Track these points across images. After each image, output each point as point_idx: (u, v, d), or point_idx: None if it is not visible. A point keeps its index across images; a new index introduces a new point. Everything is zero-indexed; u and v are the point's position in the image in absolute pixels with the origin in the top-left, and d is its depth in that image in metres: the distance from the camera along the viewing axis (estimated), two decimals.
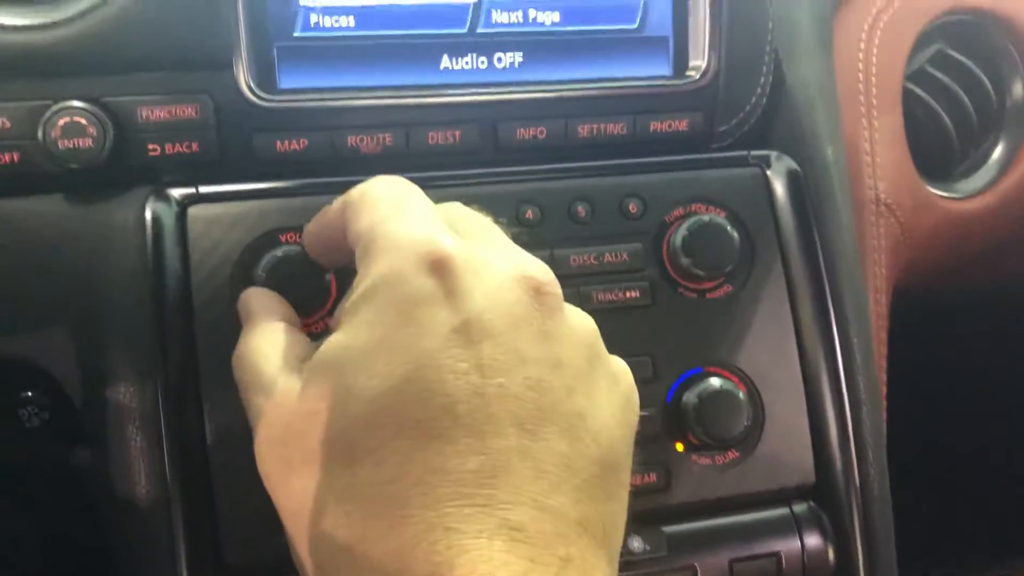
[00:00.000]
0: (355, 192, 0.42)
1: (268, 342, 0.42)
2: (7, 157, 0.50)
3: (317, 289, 0.51)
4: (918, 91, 0.72)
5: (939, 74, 0.73)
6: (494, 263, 0.37)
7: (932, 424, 1.00)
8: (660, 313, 0.56)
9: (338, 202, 0.44)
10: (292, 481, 0.36)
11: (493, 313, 0.35)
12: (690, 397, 0.55)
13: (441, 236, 0.37)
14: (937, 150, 0.73)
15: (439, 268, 0.36)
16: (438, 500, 0.32)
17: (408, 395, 0.34)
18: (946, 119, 0.73)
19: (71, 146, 0.49)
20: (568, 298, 0.51)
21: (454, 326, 0.35)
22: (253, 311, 0.46)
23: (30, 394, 0.56)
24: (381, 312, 0.36)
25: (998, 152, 0.74)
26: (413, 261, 0.36)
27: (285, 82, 0.54)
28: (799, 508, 0.57)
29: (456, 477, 0.32)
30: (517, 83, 0.56)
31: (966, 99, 0.73)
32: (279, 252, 0.51)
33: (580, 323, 0.39)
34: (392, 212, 0.39)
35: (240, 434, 0.46)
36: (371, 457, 0.34)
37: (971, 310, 0.96)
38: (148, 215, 0.52)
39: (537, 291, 0.37)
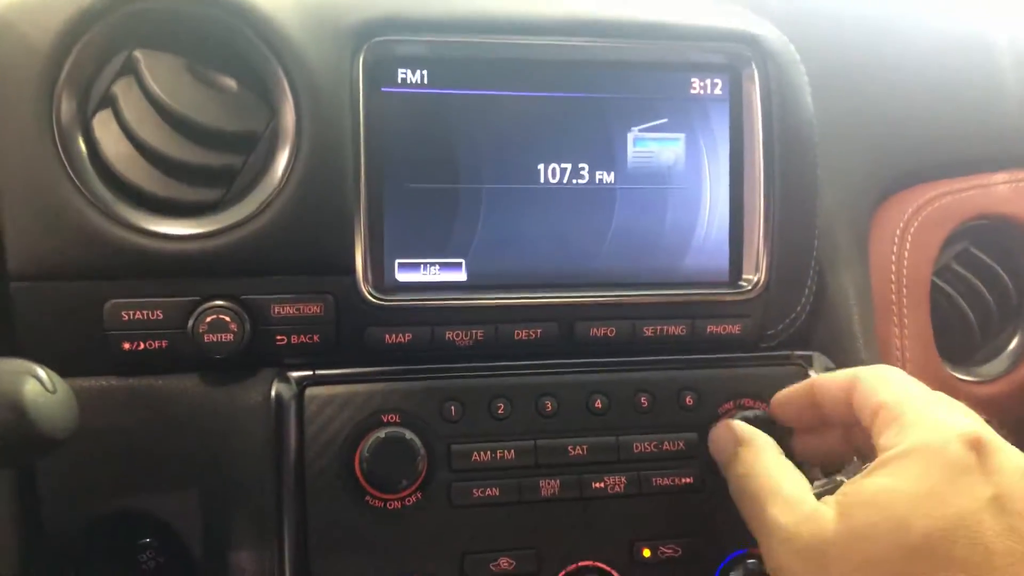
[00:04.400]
0: (866, 373, 0.54)
1: (779, 466, 0.54)
2: (156, 344, 0.58)
3: (410, 470, 0.59)
4: (943, 285, 0.80)
5: (964, 271, 0.80)
6: (1010, 448, 0.48)
7: None
8: (709, 497, 0.63)
9: (839, 380, 0.56)
10: None
11: (1021, 490, 0.45)
12: None
13: (973, 421, 0.48)
14: (960, 337, 0.81)
15: (977, 447, 0.46)
16: None
17: (956, 538, 0.43)
18: (969, 311, 0.80)
19: (215, 339, 0.57)
20: (630, 481, 0.59)
21: (990, 495, 0.45)
22: (754, 438, 0.57)
23: (149, 540, 0.63)
24: (928, 470, 0.46)
25: (1014, 343, 0.81)
26: (954, 436, 0.47)
27: (398, 279, 0.62)
28: None
29: None
30: (593, 285, 0.64)
31: (988, 294, 0.80)
32: (382, 433, 0.59)
33: None
34: (920, 393, 0.51)
35: None
36: None
37: None
38: (273, 395, 0.60)
39: None
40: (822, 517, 0.48)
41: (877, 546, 0.45)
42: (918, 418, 0.49)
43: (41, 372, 0.42)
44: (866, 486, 0.48)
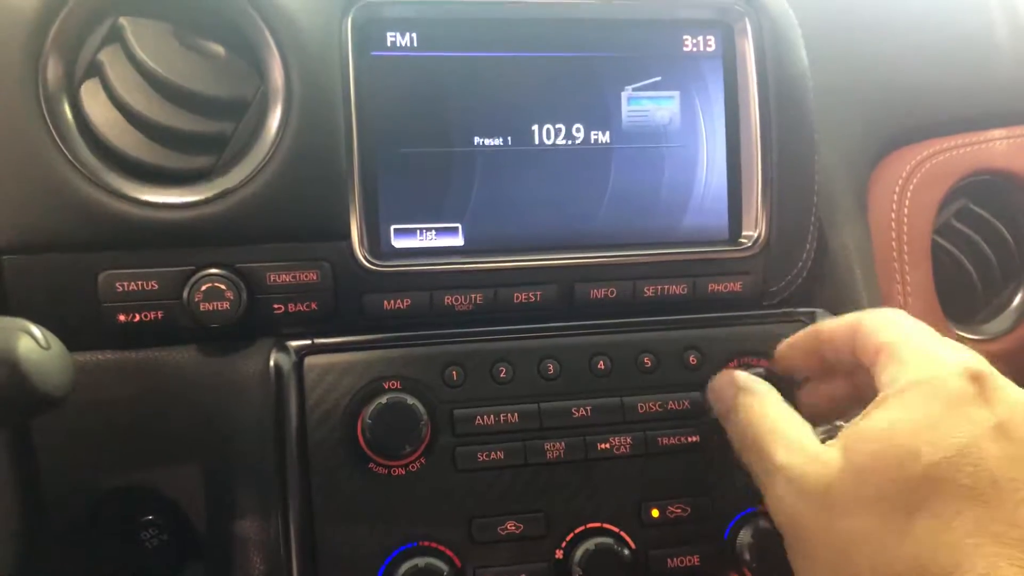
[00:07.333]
0: (869, 316, 0.54)
1: (781, 411, 0.53)
2: (152, 315, 0.57)
3: (412, 435, 0.58)
4: (945, 243, 0.79)
5: (964, 228, 0.80)
6: (1009, 382, 0.47)
7: None
8: (717, 456, 0.62)
9: (842, 324, 0.55)
10: (836, 523, 0.46)
11: (1020, 419, 0.45)
12: (745, 536, 0.61)
13: (970, 354, 0.48)
14: (963, 296, 0.80)
15: (977, 379, 0.46)
16: (985, 553, 0.41)
17: (960, 466, 0.43)
18: (971, 269, 0.80)
19: (211, 308, 0.56)
20: (635, 442, 0.59)
21: (993, 424, 0.44)
22: (754, 385, 0.56)
23: (151, 517, 0.62)
24: (929, 402, 0.46)
25: (1018, 300, 0.81)
26: (955, 370, 0.46)
27: (394, 246, 0.61)
28: None
29: (999, 538, 0.41)
30: (592, 247, 0.64)
31: (989, 251, 0.80)
32: (384, 400, 0.58)
33: None
34: (921, 333, 0.51)
35: (350, 558, 0.56)
36: (927, 509, 0.43)
37: None
38: (272, 365, 0.59)
39: None
40: (826, 457, 0.48)
41: (883, 479, 0.44)
42: (918, 355, 0.49)
43: (35, 329, 0.42)
44: (868, 423, 0.47)
